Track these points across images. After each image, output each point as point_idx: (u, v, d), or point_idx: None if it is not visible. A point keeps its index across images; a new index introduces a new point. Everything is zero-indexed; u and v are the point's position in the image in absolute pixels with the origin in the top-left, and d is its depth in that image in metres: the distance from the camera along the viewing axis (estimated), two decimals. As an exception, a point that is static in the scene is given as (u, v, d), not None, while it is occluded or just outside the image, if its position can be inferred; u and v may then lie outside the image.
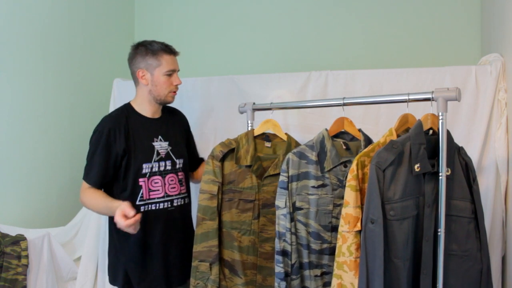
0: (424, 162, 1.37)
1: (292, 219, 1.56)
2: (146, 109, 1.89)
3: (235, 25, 2.98)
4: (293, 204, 1.57)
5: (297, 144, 1.81)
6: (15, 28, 2.22)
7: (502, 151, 1.92)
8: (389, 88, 2.05)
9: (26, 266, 1.96)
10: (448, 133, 1.43)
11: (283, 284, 1.53)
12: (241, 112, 1.98)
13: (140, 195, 1.82)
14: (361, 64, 2.51)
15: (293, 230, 1.56)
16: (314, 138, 1.64)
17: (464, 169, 1.48)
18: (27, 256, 1.96)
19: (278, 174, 1.74)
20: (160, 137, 1.88)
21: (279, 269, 1.55)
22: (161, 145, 1.87)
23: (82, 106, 2.65)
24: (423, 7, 2.64)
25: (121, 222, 1.58)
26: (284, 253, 1.55)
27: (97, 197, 1.77)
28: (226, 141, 1.78)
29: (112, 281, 1.92)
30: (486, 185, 1.93)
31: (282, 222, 1.56)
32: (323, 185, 1.57)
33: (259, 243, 1.73)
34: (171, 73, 1.84)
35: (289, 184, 1.58)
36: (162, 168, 1.85)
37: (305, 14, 2.84)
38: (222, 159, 1.76)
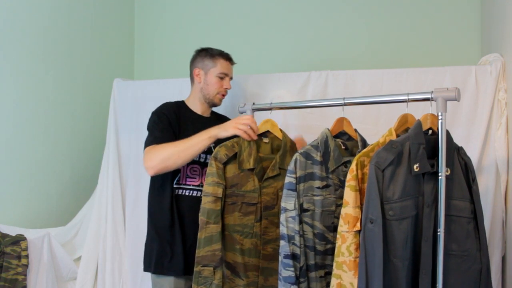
0: (423, 162, 1.37)
1: (300, 221, 1.53)
2: (197, 106, 2.03)
3: (235, 25, 2.98)
4: (301, 205, 1.54)
5: (292, 143, 1.81)
6: (15, 28, 2.22)
7: (502, 151, 1.92)
8: (389, 88, 2.06)
9: (26, 266, 1.96)
10: (448, 133, 1.43)
11: None
12: (241, 112, 1.97)
13: (177, 178, 1.93)
14: (361, 64, 2.50)
15: (301, 232, 1.53)
16: (318, 138, 1.61)
17: (463, 169, 1.48)
18: (27, 256, 1.96)
19: (276, 176, 1.74)
20: None
21: (289, 273, 1.49)
22: None
23: (82, 106, 2.65)
24: (423, 7, 2.63)
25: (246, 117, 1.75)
26: (294, 257, 1.51)
27: (176, 141, 1.80)
28: (229, 143, 1.76)
29: (145, 268, 1.97)
30: (486, 185, 1.93)
31: (291, 225, 1.51)
32: (327, 186, 1.55)
33: (262, 245, 1.73)
34: (223, 76, 1.99)
35: (297, 186, 1.55)
36: (202, 160, 1.95)
37: (305, 14, 2.84)
38: (225, 162, 1.74)
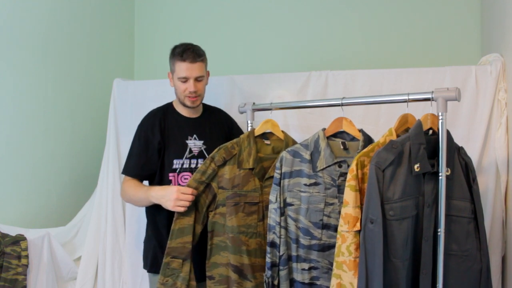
0: (423, 162, 1.37)
1: (283, 214, 1.62)
2: (181, 108, 1.98)
3: (235, 25, 2.98)
4: (284, 200, 1.62)
5: (294, 143, 1.81)
6: (15, 28, 2.22)
7: (502, 151, 1.92)
8: (389, 88, 2.06)
9: (26, 266, 1.96)
10: (448, 133, 1.43)
11: (269, 273, 1.60)
12: (241, 112, 1.98)
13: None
14: (361, 64, 2.51)
15: (283, 224, 1.61)
16: (310, 137, 1.66)
17: (464, 169, 1.48)
18: (27, 256, 1.96)
19: None
20: (195, 135, 1.95)
21: (267, 259, 1.62)
22: (195, 143, 1.94)
23: (82, 106, 2.65)
24: (423, 7, 2.64)
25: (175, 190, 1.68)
26: (272, 245, 1.61)
27: (136, 185, 1.88)
28: (229, 145, 1.77)
29: (144, 266, 2.01)
30: (486, 185, 1.93)
31: (272, 216, 1.62)
32: (315, 184, 1.58)
33: (266, 244, 1.73)
34: (184, 80, 1.87)
35: (281, 181, 1.63)
36: (193, 166, 1.91)
37: (305, 14, 2.84)
38: (225, 164, 1.75)
